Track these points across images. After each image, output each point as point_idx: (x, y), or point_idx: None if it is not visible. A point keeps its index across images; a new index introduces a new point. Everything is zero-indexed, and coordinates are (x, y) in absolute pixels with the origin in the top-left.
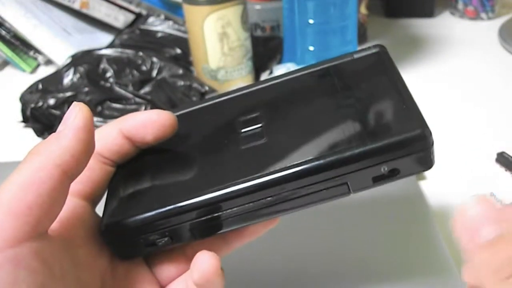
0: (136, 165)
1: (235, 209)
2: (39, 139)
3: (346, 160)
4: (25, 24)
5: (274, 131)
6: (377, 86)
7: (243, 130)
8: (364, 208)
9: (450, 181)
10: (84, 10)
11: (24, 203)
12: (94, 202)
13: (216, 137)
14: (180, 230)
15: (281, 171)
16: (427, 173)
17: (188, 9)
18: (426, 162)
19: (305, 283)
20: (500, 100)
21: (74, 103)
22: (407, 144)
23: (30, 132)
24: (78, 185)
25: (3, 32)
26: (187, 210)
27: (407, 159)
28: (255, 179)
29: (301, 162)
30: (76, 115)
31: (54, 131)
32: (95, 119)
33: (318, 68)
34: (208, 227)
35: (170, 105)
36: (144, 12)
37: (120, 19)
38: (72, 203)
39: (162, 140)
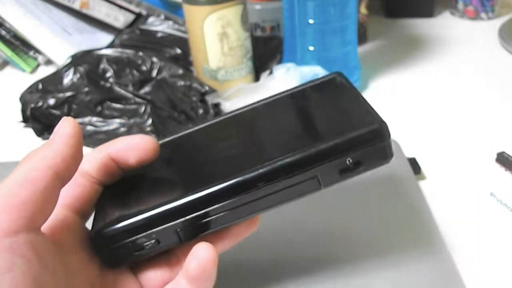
0: (122, 185)
1: (214, 209)
2: (39, 139)
3: (315, 153)
4: (25, 24)
5: (250, 142)
6: (339, 99)
7: (220, 145)
8: (364, 208)
9: (450, 181)
10: (84, 10)
11: (19, 199)
12: (83, 216)
13: (196, 154)
14: (166, 232)
15: (255, 170)
16: (427, 173)
17: (188, 9)
18: (386, 153)
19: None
20: (500, 100)
21: (64, 117)
22: (367, 137)
23: (30, 132)
24: (70, 199)
25: (3, 32)
26: (171, 212)
27: (368, 151)
28: (230, 180)
29: (273, 160)
30: (66, 125)
31: None
32: (95, 119)
33: (288, 92)
34: (192, 228)
35: (170, 105)
36: (144, 12)
37: (120, 19)
38: (63, 214)
39: (145, 163)
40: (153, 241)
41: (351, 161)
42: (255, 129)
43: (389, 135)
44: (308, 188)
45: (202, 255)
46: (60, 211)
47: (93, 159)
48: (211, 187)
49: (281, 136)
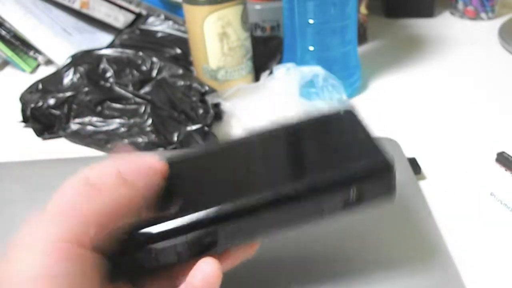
0: None
1: (217, 230)
2: (39, 139)
3: (320, 184)
4: (25, 24)
5: (257, 168)
6: (349, 134)
7: (228, 168)
8: None
9: (450, 181)
10: (84, 10)
11: (106, 219)
12: None
13: (203, 175)
14: (165, 251)
15: (261, 196)
16: (427, 173)
17: (188, 9)
18: (389, 188)
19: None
20: (500, 100)
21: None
22: (373, 171)
23: (30, 132)
24: None
25: (3, 32)
26: (172, 231)
27: (373, 185)
28: (237, 203)
29: (280, 187)
30: (155, 161)
31: (54, 131)
32: (95, 119)
33: (298, 122)
34: (192, 248)
35: (170, 105)
36: (144, 12)
37: (120, 19)
38: None
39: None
40: (153, 256)
41: (355, 193)
42: (262, 156)
43: (394, 171)
44: (310, 217)
45: (207, 269)
46: None
47: (102, 173)
48: (216, 209)
49: (288, 164)
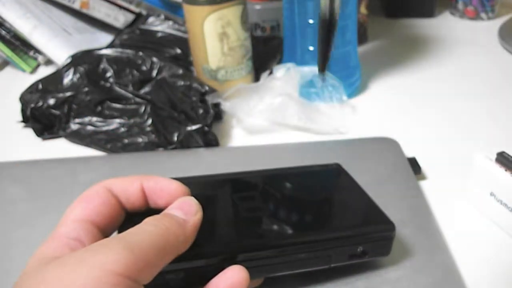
0: (144, 216)
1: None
2: (39, 139)
3: (336, 240)
4: (25, 24)
5: (271, 210)
6: (347, 189)
7: (245, 205)
8: None
9: (450, 181)
10: (84, 10)
11: (159, 262)
12: (106, 235)
13: (217, 205)
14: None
15: (280, 241)
16: (427, 173)
17: (188, 9)
18: (388, 248)
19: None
20: (500, 99)
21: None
22: (379, 233)
23: (30, 132)
24: (99, 217)
25: (3, 32)
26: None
27: (376, 244)
28: (255, 244)
29: (300, 236)
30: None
31: (54, 131)
32: (95, 119)
33: (298, 170)
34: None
35: (170, 105)
36: (144, 12)
37: (120, 19)
38: (91, 230)
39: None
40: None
41: (361, 249)
42: (270, 198)
43: (395, 235)
44: (319, 263)
45: (237, 274)
46: (89, 227)
47: (127, 185)
48: (235, 247)
49: (301, 214)
